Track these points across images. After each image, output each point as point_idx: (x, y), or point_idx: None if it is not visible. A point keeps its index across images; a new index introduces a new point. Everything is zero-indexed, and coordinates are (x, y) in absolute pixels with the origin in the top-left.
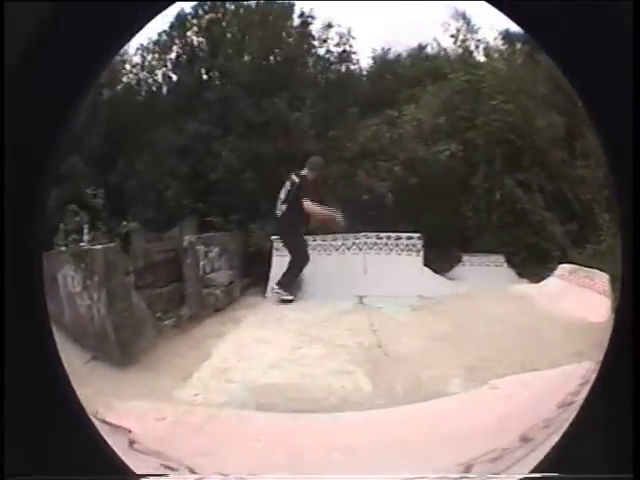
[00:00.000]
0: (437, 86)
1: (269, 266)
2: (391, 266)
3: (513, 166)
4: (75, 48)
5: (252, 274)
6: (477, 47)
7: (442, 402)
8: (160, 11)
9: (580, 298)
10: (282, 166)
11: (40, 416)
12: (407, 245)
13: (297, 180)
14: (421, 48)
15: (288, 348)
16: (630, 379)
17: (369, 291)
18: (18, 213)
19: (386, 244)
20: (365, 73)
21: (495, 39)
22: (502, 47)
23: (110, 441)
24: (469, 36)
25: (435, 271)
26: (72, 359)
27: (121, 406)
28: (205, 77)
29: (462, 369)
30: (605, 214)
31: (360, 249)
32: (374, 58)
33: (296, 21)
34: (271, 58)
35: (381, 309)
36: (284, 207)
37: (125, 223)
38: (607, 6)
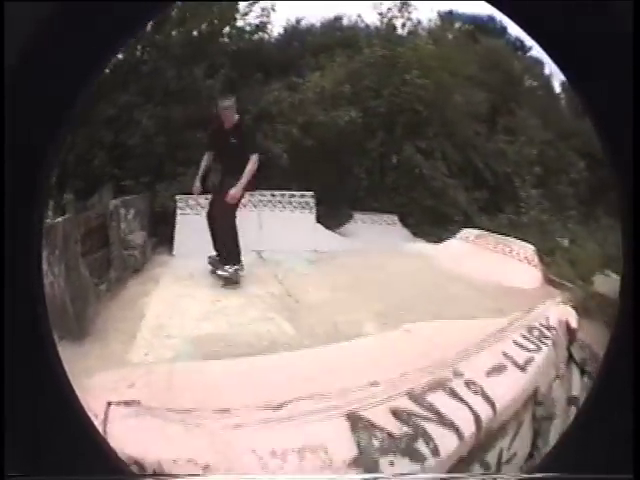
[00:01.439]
0: (346, 57)
1: (173, 225)
2: (285, 222)
3: (415, 134)
4: (75, 48)
5: (159, 233)
6: (404, 25)
7: (365, 341)
8: (160, 11)
9: (492, 263)
10: (189, 129)
11: (40, 416)
12: (300, 203)
13: None
14: (336, 19)
15: (209, 301)
16: (630, 379)
17: (266, 246)
18: (18, 213)
19: (280, 202)
20: (274, 42)
21: (430, 20)
22: (436, 27)
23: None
24: (399, 14)
25: (328, 227)
26: None
27: (90, 383)
28: (142, 53)
29: (372, 315)
30: (532, 189)
31: (255, 206)
32: (285, 28)
33: None
34: (196, 32)
35: (281, 262)
36: None
37: (66, 196)
38: (607, 6)
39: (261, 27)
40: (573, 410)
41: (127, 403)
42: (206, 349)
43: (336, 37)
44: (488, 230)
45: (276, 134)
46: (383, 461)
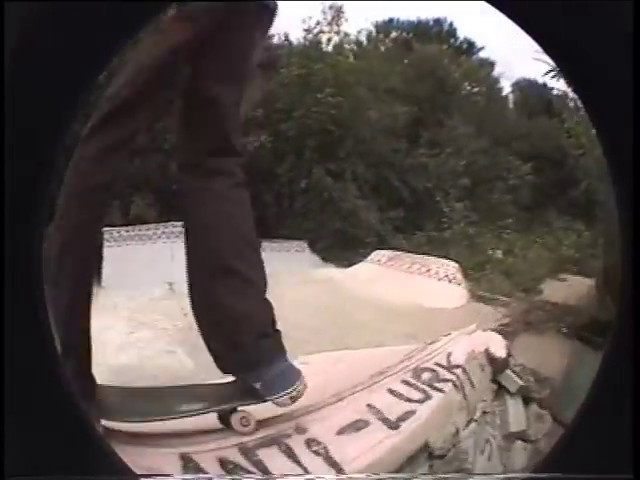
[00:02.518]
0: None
1: (101, 257)
2: None
3: (326, 155)
4: (75, 48)
5: None
6: (329, 40)
7: None
8: (161, 11)
9: (406, 284)
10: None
11: (40, 416)
12: None
13: None
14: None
15: (125, 333)
16: (630, 379)
17: (177, 278)
18: (18, 213)
19: None
20: None
21: (360, 31)
22: (366, 39)
23: None
24: (327, 29)
25: None
26: None
27: None
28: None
29: None
30: (457, 202)
31: (168, 238)
32: None
33: None
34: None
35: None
36: None
37: None
38: (607, 6)
39: None
40: (520, 445)
41: None
42: (123, 379)
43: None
44: (404, 250)
45: None
46: None
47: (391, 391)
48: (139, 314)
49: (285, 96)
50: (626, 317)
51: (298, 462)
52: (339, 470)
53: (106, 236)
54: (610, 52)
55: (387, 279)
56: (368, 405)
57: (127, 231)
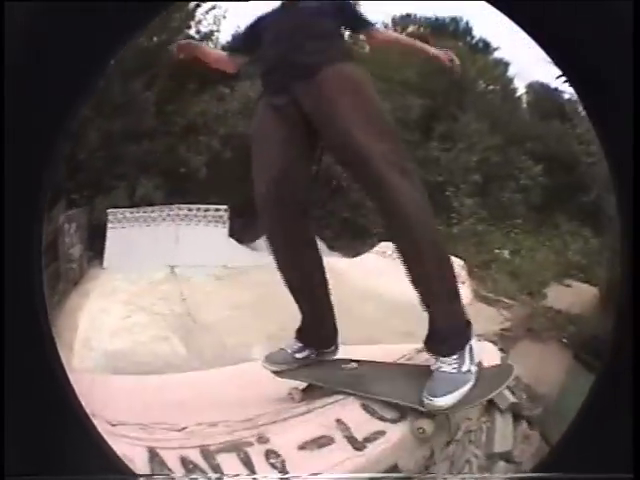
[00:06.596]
0: None
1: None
2: (200, 237)
3: None
4: (75, 49)
5: (94, 247)
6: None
7: (250, 366)
8: (160, 11)
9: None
10: (126, 143)
11: (40, 416)
12: (214, 217)
13: None
14: None
15: (121, 317)
16: (630, 379)
17: (180, 261)
18: (19, 215)
19: (196, 216)
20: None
21: (376, 23)
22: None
23: None
24: None
25: (241, 241)
26: None
27: None
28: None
29: (264, 337)
30: (468, 198)
31: (173, 220)
32: (233, 35)
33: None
34: (151, 42)
35: (190, 279)
36: None
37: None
38: (607, 6)
39: (208, 35)
40: (502, 466)
41: None
42: (115, 364)
43: None
44: None
45: (199, 146)
46: None
47: (365, 406)
48: (138, 298)
49: None
50: (626, 320)
51: (253, 471)
52: None
53: (110, 217)
54: (610, 52)
55: (390, 272)
56: (337, 420)
57: (131, 212)
